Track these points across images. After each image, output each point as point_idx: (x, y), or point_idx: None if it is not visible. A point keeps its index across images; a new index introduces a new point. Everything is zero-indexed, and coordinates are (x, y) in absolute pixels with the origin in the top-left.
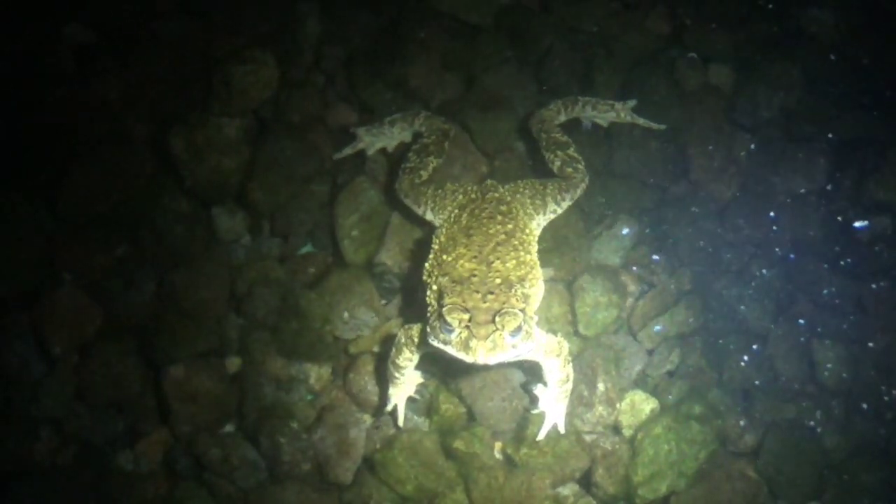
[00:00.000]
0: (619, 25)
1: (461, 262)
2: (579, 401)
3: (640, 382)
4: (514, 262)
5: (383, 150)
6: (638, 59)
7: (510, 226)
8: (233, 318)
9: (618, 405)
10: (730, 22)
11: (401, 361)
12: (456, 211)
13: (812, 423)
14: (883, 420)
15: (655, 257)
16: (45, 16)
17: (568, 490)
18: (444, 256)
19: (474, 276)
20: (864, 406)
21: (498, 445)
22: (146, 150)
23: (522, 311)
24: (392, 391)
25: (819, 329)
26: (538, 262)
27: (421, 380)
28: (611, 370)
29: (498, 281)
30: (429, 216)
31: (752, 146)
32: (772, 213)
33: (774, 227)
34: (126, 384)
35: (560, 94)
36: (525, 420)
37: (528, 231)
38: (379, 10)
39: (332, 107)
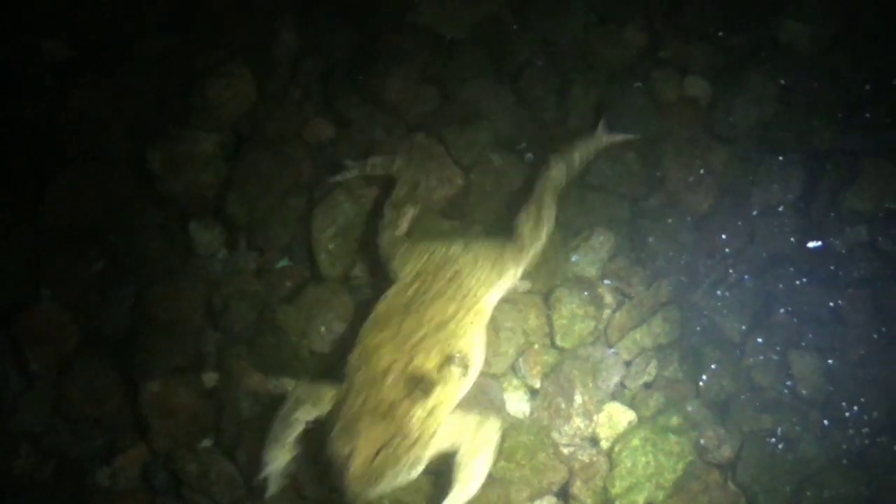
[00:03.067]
0: (596, 38)
1: (382, 350)
2: (556, 413)
3: (618, 394)
4: (438, 357)
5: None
6: (615, 71)
7: (452, 308)
8: (210, 333)
9: (595, 417)
10: (707, 34)
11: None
12: (410, 277)
13: (789, 433)
14: (860, 431)
15: (630, 270)
16: (24, 29)
17: (545, 503)
18: (372, 335)
19: (388, 374)
20: (842, 417)
21: None
22: (125, 164)
23: (417, 438)
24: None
25: (796, 340)
26: (482, 342)
27: None
28: (588, 382)
29: (404, 393)
30: (395, 270)
31: (729, 157)
32: (749, 224)
33: (751, 238)
34: (105, 399)
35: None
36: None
37: (475, 311)
38: (356, 24)
39: (309, 120)
